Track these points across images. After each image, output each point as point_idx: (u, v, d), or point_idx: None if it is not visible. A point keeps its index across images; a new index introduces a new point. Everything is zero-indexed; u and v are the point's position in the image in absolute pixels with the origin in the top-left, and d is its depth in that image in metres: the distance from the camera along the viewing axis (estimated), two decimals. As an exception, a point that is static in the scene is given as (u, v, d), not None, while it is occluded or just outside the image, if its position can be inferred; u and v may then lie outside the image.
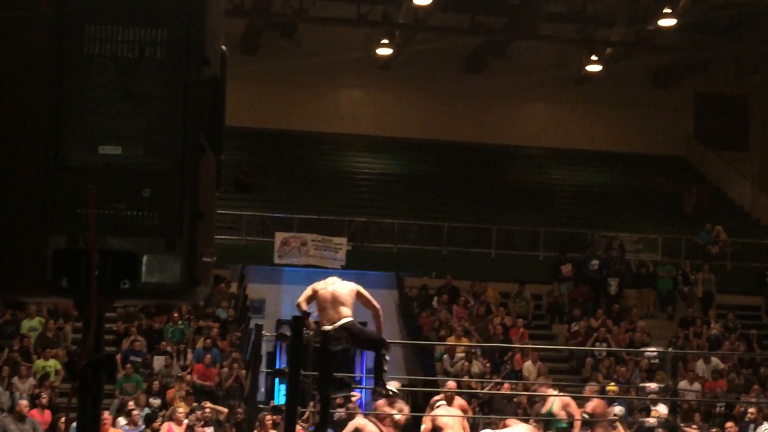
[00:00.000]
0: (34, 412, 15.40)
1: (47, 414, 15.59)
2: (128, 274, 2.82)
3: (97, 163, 2.82)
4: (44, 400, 15.68)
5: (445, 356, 20.22)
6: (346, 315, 9.06)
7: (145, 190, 2.82)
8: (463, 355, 19.84)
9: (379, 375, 9.33)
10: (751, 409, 15.84)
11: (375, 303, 9.39)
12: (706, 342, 21.81)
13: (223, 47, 3.10)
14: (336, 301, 9.16)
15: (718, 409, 18.27)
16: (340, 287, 9.34)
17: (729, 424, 15.38)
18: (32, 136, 2.84)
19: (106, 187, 2.80)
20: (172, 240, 2.81)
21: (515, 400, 17.48)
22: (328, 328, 9.02)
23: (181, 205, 2.82)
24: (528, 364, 19.84)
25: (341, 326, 9.00)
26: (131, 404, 15.89)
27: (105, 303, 2.82)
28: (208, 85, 2.93)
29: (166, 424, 15.31)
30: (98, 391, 2.85)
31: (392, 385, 9.86)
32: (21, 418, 14.71)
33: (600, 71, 28.73)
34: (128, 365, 18.11)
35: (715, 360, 20.29)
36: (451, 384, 14.87)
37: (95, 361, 2.82)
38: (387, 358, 9.32)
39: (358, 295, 9.30)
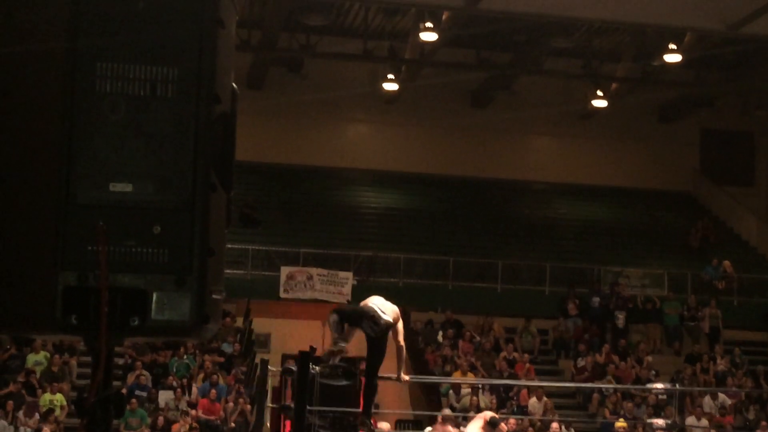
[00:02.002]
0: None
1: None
2: (138, 312, 2.81)
3: (107, 201, 2.82)
4: (47, 434, 15.63)
5: (451, 392, 20.14)
6: (391, 317, 9.13)
7: (155, 227, 2.82)
8: (468, 390, 19.76)
9: (367, 406, 9.27)
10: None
11: (402, 340, 9.40)
12: (713, 378, 21.70)
13: (233, 84, 3.11)
14: (387, 304, 9.32)
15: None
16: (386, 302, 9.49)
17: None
18: (43, 172, 2.84)
19: (117, 224, 2.80)
20: (182, 277, 2.81)
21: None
22: (378, 311, 9.08)
23: (191, 242, 2.82)
24: (533, 400, 19.76)
25: (386, 322, 9.02)
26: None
27: (114, 340, 2.82)
28: (218, 122, 2.94)
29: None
30: (107, 427, 2.84)
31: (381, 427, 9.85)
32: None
33: (605, 106, 28.81)
34: (133, 400, 18.05)
35: (722, 396, 20.19)
36: (446, 411, 14.83)
37: (104, 398, 2.81)
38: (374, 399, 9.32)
39: (395, 321, 9.29)
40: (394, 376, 9.75)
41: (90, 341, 2.82)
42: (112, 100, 2.86)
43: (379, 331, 9.13)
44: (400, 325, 9.41)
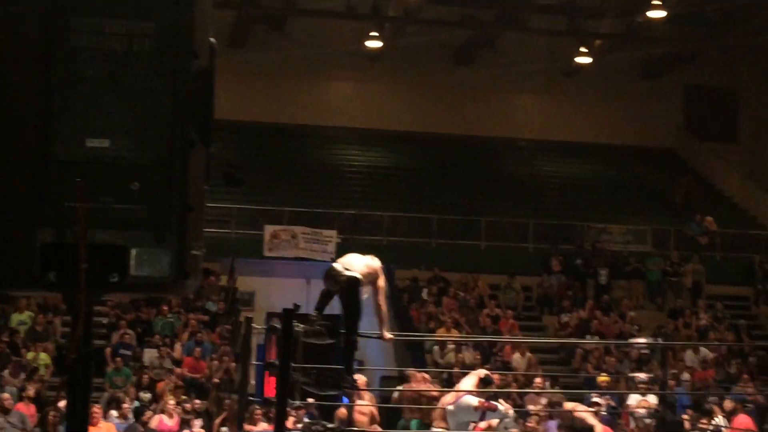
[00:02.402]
0: (21, 405, 15.37)
1: (32, 407, 15.53)
2: (117, 268, 2.80)
3: (84, 156, 2.80)
4: (30, 393, 15.64)
5: (436, 348, 20.24)
6: (358, 271, 9.08)
7: (133, 183, 2.80)
8: (453, 346, 19.86)
9: (348, 363, 9.26)
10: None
11: (380, 298, 9.32)
12: (695, 332, 21.87)
13: (212, 39, 3.08)
14: (355, 257, 9.28)
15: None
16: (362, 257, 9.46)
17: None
18: (20, 129, 2.82)
19: (95, 180, 2.78)
20: (161, 233, 2.80)
21: (505, 391, 17.47)
22: (337, 266, 9.08)
23: (170, 199, 2.81)
24: (517, 356, 19.87)
25: (349, 276, 8.99)
26: (122, 397, 15.87)
27: (93, 297, 2.81)
28: (197, 77, 2.91)
29: (157, 417, 15.30)
30: (87, 384, 2.84)
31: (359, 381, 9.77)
32: (5, 411, 14.68)
33: (589, 63, 28.78)
34: (118, 358, 18.08)
35: (704, 350, 20.35)
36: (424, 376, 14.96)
37: (84, 354, 2.81)
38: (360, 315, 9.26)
39: (366, 276, 9.18)
40: (377, 334, 9.75)
41: (69, 298, 2.81)
42: (88, 55, 2.83)
43: (341, 287, 9.08)
44: (381, 282, 9.30)
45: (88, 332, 2.82)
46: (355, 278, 9.01)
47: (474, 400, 9.95)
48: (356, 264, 9.20)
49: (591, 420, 13.67)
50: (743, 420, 15.45)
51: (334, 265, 9.17)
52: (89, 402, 2.94)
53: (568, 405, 14.20)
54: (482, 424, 10.73)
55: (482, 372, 10.41)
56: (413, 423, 13.72)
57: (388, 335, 9.55)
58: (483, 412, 9.95)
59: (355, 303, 9.18)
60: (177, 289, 2.89)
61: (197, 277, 2.93)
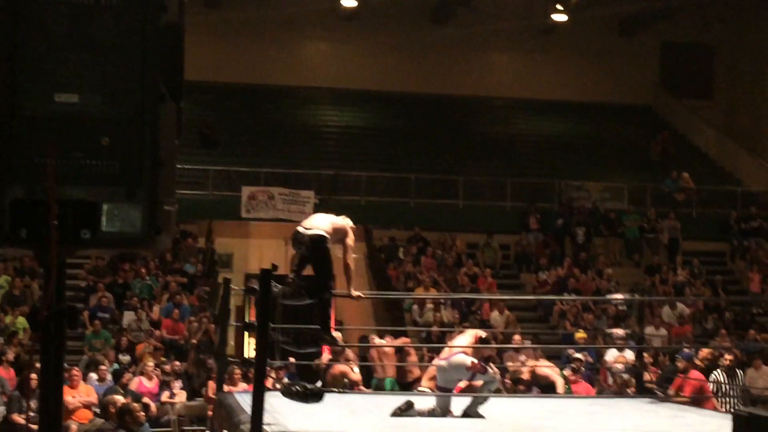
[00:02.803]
0: (0, 369, 15.34)
1: (11, 371, 15.51)
2: (88, 224, 2.79)
3: (53, 112, 2.78)
4: (10, 357, 15.61)
5: (414, 307, 20.30)
6: (322, 229, 9.03)
7: (103, 138, 2.78)
8: (431, 305, 19.93)
9: (325, 323, 9.26)
10: (728, 356, 16.00)
11: (349, 257, 9.26)
12: (672, 288, 22.02)
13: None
14: (319, 217, 9.25)
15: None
16: (328, 215, 9.43)
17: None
18: (-13, 85, 2.79)
19: (64, 136, 2.76)
20: (132, 189, 2.78)
21: (497, 347, 17.56)
22: (300, 228, 9.05)
23: (141, 154, 2.80)
24: (495, 314, 19.97)
25: (312, 234, 8.96)
26: (102, 360, 15.86)
27: (65, 253, 2.80)
28: (166, 31, 2.88)
29: (136, 379, 15.31)
30: (61, 341, 2.83)
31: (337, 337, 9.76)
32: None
33: (565, 21, 28.72)
34: (96, 321, 18.06)
35: (680, 306, 20.51)
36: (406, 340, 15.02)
37: (57, 311, 2.80)
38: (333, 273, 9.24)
39: (332, 234, 9.11)
40: (345, 292, 9.74)
41: (40, 255, 2.79)
42: (56, 9, 2.80)
43: (307, 248, 9.05)
44: (350, 240, 9.23)
45: (60, 289, 2.81)
46: (318, 235, 8.96)
47: (468, 360, 9.98)
48: (320, 223, 9.14)
49: (554, 376, 13.80)
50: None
51: (298, 228, 9.13)
52: (63, 358, 2.93)
53: (530, 362, 14.36)
54: (462, 384, 10.79)
55: (482, 333, 10.37)
56: (387, 381, 13.79)
57: (356, 293, 9.53)
58: (473, 374, 9.99)
59: (324, 260, 9.14)
60: (149, 245, 2.88)
61: (170, 233, 2.91)
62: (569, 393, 13.50)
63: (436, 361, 10.41)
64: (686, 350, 13.61)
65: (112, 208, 2.78)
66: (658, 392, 12.17)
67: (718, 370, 13.40)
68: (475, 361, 10.04)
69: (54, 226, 2.71)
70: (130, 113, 2.81)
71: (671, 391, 12.17)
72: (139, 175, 2.79)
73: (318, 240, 8.97)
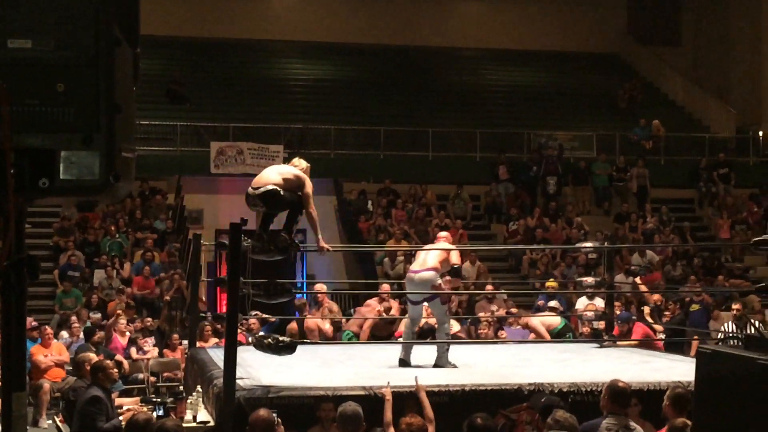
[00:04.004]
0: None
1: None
2: (46, 172, 2.74)
3: (6, 58, 2.72)
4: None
5: (386, 260, 20.33)
6: (271, 183, 8.88)
7: (58, 84, 2.73)
8: (402, 258, 19.95)
9: (288, 225, 9.14)
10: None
11: (310, 206, 9.11)
12: (642, 236, 22.15)
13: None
14: (266, 172, 9.11)
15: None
16: (277, 166, 9.31)
17: (666, 314, 15.73)
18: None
19: (18, 82, 2.70)
20: (89, 135, 2.73)
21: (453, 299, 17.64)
22: (249, 190, 8.93)
23: (97, 99, 2.74)
24: (467, 264, 20.00)
25: (261, 192, 8.85)
26: (73, 318, 15.81)
27: (23, 202, 2.76)
28: (120, -25, 2.83)
29: (109, 336, 15.27)
30: (22, 290, 2.80)
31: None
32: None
33: (532, -31, 28.58)
34: (66, 282, 17.98)
35: (650, 253, 20.64)
36: (386, 287, 15.02)
37: (17, 261, 2.76)
38: (298, 219, 9.14)
39: (282, 185, 8.95)
40: (313, 247, 9.67)
41: (-1, 204, 2.76)
42: (6, -47, 2.74)
43: (260, 206, 8.96)
44: (307, 188, 8.99)
45: (20, 238, 2.77)
46: (267, 191, 8.80)
47: (436, 280, 10.04)
48: (267, 177, 8.95)
49: (540, 329, 13.91)
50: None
51: (248, 190, 8.98)
52: (25, 308, 2.90)
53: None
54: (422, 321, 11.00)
55: (455, 261, 10.31)
56: (344, 334, 13.82)
57: (324, 245, 9.43)
58: (434, 297, 10.06)
59: (283, 205, 9.00)
60: (108, 193, 2.84)
61: (129, 180, 2.88)
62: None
63: (410, 268, 10.50)
64: (624, 312, 13.77)
65: (69, 155, 2.74)
66: (605, 337, 12.34)
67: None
68: (442, 284, 10.14)
69: (11, 175, 2.67)
70: (85, 58, 2.75)
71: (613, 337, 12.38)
72: (95, 121, 2.75)
73: (269, 195, 8.81)
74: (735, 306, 14.47)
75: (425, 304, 10.39)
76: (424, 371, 9.32)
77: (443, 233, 10.89)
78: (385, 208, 22.36)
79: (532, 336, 14.10)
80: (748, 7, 29.77)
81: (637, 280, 17.02)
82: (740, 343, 9.89)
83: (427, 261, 10.15)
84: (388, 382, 7.80)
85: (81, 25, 2.75)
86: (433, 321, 11.04)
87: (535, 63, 30.45)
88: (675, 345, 13.67)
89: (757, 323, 14.10)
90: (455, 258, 10.24)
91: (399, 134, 24.90)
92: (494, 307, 16.68)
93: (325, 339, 13.50)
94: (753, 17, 29.62)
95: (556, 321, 13.47)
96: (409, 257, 19.82)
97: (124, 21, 2.83)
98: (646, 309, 15.52)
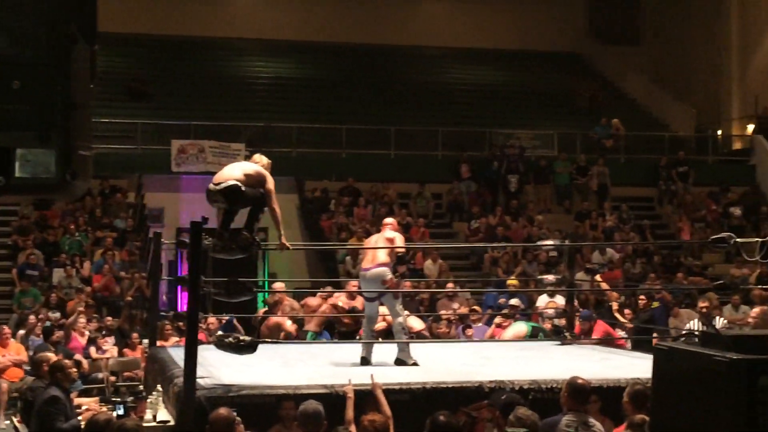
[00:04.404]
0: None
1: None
2: (1, 170, 2.72)
3: (-41, 55, 2.70)
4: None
5: (348, 258, 20.32)
6: (232, 178, 8.83)
7: (14, 82, 2.70)
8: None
9: (249, 223, 9.10)
10: (642, 297, 16.30)
11: (273, 203, 9.07)
12: (602, 234, 22.29)
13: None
14: (227, 169, 9.06)
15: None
16: (239, 163, 9.28)
17: (626, 311, 15.82)
18: None
19: (-27, 80, 2.68)
20: (45, 133, 2.71)
21: (417, 298, 17.70)
22: (210, 186, 8.88)
23: (54, 97, 2.72)
24: (428, 263, 20.05)
25: (222, 188, 8.80)
26: (31, 318, 15.67)
27: (-21, 200, 2.74)
28: (77, -28, 2.81)
29: (68, 335, 15.14)
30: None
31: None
32: None
33: (494, -32, 28.68)
34: (24, 282, 17.81)
35: (610, 251, 20.77)
36: (354, 284, 14.99)
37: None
38: (260, 216, 9.10)
39: (244, 181, 8.92)
40: (275, 244, 9.63)
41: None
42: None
43: (221, 202, 8.92)
44: (269, 185, 8.99)
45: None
46: (228, 187, 8.76)
47: (387, 275, 10.06)
48: (229, 173, 8.89)
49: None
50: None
51: (209, 185, 8.93)
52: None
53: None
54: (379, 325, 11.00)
55: (399, 238, 10.31)
56: (308, 335, 13.82)
57: (285, 242, 9.39)
58: (385, 294, 10.09)
59: (244, 202, 8.96)
60: (64, 190, 2.82)
61: (86, 179, 2.85)
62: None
63: (362, 265, 10.52)
64: (585, 310, 13.85)
65: (25, 153, 2.71)
66: (567, 335, 12.41)
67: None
68: (393, 278, 10.18)
69: (-35, 174, 2.64)
70: (41, 56, 2.73)
71: (573, 334, 12.44)
72: (51, 118, 2.72)
73: (230, 191, 8.76)
74: (702, 303, 14.58)
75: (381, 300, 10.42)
76: (386, 369, 9.33)
77: (389, 219, 10.85)
78: (347, 207, 22.34)
79: (509, 321, 14.13)
80: (708, 6, 30.05)
81: (597, 277, 17.09)
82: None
83: (377, 257, 10.16)
84: (350, 380, 7.80)
85: (37, 22, 2.73)
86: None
87: (497, 62, 30.56)
88: (646, 342, 13.69)
89: (720, 320, 14.23)
90: (399, 242, 10.27)
91: (361, 132, 24.87)
92: (456, 305, 16.72)
93: (288, 338, 13.48)
94: (712, 17, 29.90)
95: (523, 330, 13.46)
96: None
97: (81, 18, 2.81)
98: (615, 305, 15.60)
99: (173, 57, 28.09)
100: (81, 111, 2.79)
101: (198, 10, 28.91)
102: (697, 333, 10.48)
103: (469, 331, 14.48)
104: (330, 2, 29.79)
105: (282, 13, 29.75)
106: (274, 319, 13.70)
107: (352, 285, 14.78)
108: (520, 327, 13.50)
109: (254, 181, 8.91)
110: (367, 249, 10.52)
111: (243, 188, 8.78)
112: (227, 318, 14.05)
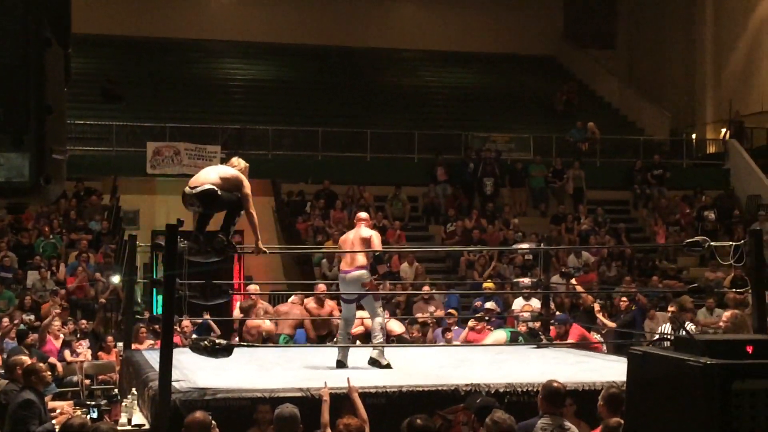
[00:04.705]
0: None
1: None
2: (-26, 174, 2.70)
3: (-67, 59, 2.67)
4: None
5: (324, 261, 20.28)
6: (208, 182, 8.83)
7: (-13, 85, 2.69)
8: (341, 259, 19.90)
9: (225, 226, 9.09)
10: (624, 299, 16.37)
11: (249, 206, 9.07)
12: (578, 237, 22.36)
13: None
14: (203, 172, 9.04)
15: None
16: (216, 167, 9.26)
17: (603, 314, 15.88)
18: None
19: (-56, 83, 2.66)
20: (18, 136, 2.69)
21: (393, 300, 17.71)
22: (186, 189, 8.87)
23: (27, 100, 2.70)
24: (405, 266, 20.06)
25: (198, 192, 8.79)
26: (5, 320, 15.55)
27: (-49, 204, 2.72)
28: (50, -25, 2.79)
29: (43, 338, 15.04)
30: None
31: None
32: None
33: (470, -28, 28.76)
34: (-2, 284, 17.70)
35: (585, 254, 20.83)
36: (322, 287, 14.99)
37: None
38: (236, 220, 9.12)
39: (219, 185, 8.90)
40: (251, 248, 9.62)
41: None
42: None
43: (197, 206, 8.90)
44: (246, 189, 8.95)
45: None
46: (204, 191, 8.75)
47: (365, 278, 10.08)
48: (205, 176, 8.90)
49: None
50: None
51: (185, 189, 8.93)
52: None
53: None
54: (357, 329, 10.96)
55: (375, 238, 10.30)
56: (281, 338, 13.82)
57: (261, 246, 9.38)
58: (365, 295, 10.10)
59: (221, 206, 8.96)
60: (38, 195, 2.80)
61: (61, 183, 2.84)
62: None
63: (342, 267, 10.53)
64: (561, 314, 13.91)
65: (-2, 157, 2.70)
66: (543, 338, 12.45)
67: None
68: (373, 281, 10.20)
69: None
70: (14, 58, 2.70)
71: (549, 338, 12.49)
72: (25, 122, 2.70)
73: (206, 195, 8.75)
74: (671, 308, 14.65)
75: (360, 302, 10.43)
76: (362, 373, 9.33)
77: (362, 214, 10.86)
78: (323, 209, 22.31)
79: (483, 324, 14.16)
80: (682, 11, 30.24)
81: (573, 281, 17.14)
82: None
83: (356, 259, 10.19)
84: (326, 383, 7.79)
85: (10, 25, 2.71)
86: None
87: (472, 65, 30.63)
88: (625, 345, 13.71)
89: (689, 324, 14.28)
90: (377, 242, 10.27)
91: (337, 135, 24.87)
92: (432, 308, 16.74)
93: (268, 337, 13.47)
94: (686, 22, 30.08)
95: (502, 337, 13.46)
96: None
97: (54, 21, 2.79)
98: (597, 307, 15.64)
99: (148, 59, 28.00)
100: (55, 115, 2.78)
101: (174, 11, 28.84)
102: (668, 336, 10.51)
103: (449, 335, 14.49)
104: (305, 4, 29.77)
105: (258, 15, 29.72)
106: (251, 323, 13.67)
107: (320, 288, 14.78)
108: (500, 335, 13.51)
109: (231, 185, 8.91)
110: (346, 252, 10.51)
111: (219, 192, 8.78)
112: (201, 321, 14.01)
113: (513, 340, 13.22)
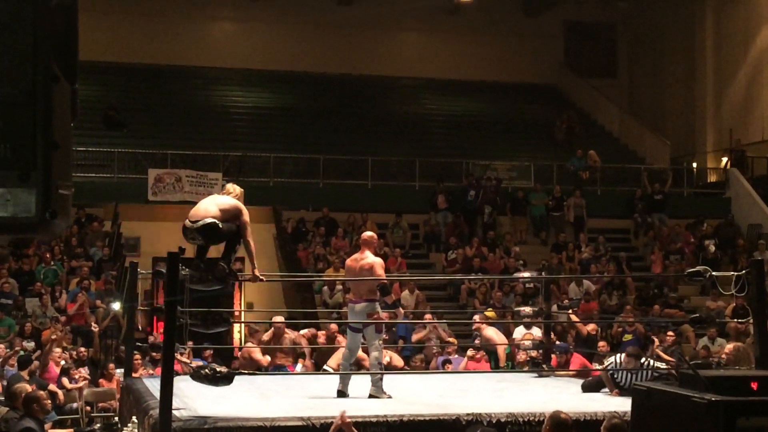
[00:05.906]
0: None
1: None
2: (-19, 209, 2.70)
3: (-60, 94, 2.69)
4: None
5: (324, 288, 20.28)
6: (209, 215, 8.85)
7: (-6, 121, 2.70)
8: (341, 287, 19.91)
9: (227, 254, 9.12)
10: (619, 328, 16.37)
11: (247, 235, 9.08)
12: (578, 265, 22.34)
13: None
14: (203, 204, 9.06)
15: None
16: (214, 197, 9.29)
17: (601, 343, 15.85)
18: None
19: (-48, 118, 2.67)
20: (25, 172, 2.70)
21: (393, 329, 17.68)
22: (186, 222, 8.89)
23: (34, 136, 2.71)
24: (405, 293, 20.04)
25: (200, 226, 8.81)
26: (1, 348, 15.53)
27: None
28: (58, 10, 2.80)
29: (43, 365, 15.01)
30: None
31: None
32: None
33: (471, 1, 28.83)
34: (-1, 310, 17.67)
35: (586, 282, 20.80)
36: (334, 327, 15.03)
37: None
38: (237, 248, 9.14)
39: (220, 217, 8.91)
40: (249, 275, 9.62)
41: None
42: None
43: (199, 239, 8.92)
44: (245, 217, 8.94)
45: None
46: (205, 225, 8.78)
47: (376, 311, 10.09)
48: (205, 209, 8.92)
49: (496, 340, 14.01)
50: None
51: (185, 222, 8.95)
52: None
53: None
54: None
55: (380, 273, 10.27)
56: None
57: (258, 274, 9.39)
58: (370, 325, 10.10)
59: (222, 238, 8.98)
60: (44, 230, 2.80)
61: (66, 218, 2.84)
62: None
63: (351, 297, 10.54)
64: (560, 343, 13.92)
65: (4, 192, 2.70)
66: (545, 367, 12.45)
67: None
68: (380, 313, 10.20)
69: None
70: (22, 95, 2.72)
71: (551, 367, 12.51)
72: (32, 158, 2.71)
73: (207, 229, 8.78)
74: (656, 342, 14.66)
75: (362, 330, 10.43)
76: (362, 402, 9.30)
77: (367, 234, 10.80)
78: (324, 237, 22.32)
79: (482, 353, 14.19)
80: (682, 41, 30.34)
81: (573, 317, 17.10)
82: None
83: (365, 290, 10.19)
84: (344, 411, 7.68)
85: (18, 61, 2.72)
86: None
87: (474, 93, 30.71)
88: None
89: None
90: (380, 271, 10.23)
91: (338, 163, 24.90)
92: (433, 337, 16.71)
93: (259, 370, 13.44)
94: (687, 51, 30.18)
95: (505, 341, 13.52)
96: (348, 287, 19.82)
97: (62, 57, 2.80)
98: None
99: (150, 86, 28.08)
100: (62, 150, 2.79)
101: (175, 39, 28.93)
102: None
103: (449, 367, 14.48)
104: (307, 32, 29.87)
105: (260, 43, 29.82)
106: (247, 350, 13.66)
107: (333, 328, 14.82)
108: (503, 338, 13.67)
109: (230, 215, 8.96)
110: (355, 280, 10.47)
111: (220, 225, 8.81)
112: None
113: (509, 356, 13.34)
